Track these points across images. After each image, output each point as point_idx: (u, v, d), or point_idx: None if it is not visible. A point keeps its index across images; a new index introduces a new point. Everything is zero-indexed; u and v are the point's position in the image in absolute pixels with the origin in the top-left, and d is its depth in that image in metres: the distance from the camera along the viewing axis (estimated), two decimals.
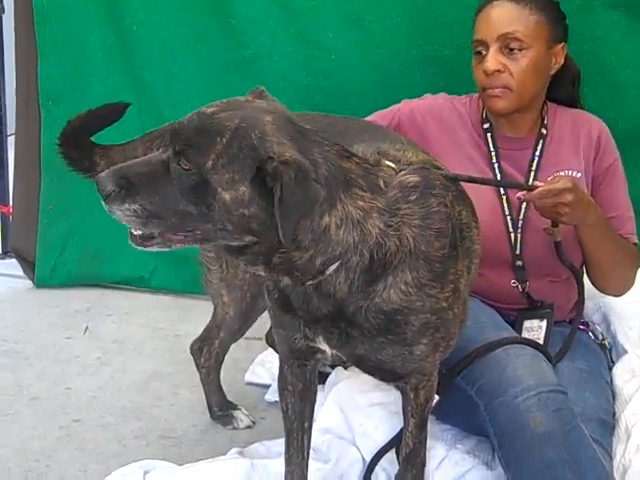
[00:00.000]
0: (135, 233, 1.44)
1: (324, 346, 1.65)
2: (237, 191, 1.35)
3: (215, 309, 2.28)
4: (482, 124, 2.23)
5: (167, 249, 1.46)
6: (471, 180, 1.86)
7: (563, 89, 2.25)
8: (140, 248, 1.47)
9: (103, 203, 1.41)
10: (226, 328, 2.28)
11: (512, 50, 2.05)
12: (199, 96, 3.01)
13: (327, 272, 1.48)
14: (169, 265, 3.28)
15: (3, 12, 3.47)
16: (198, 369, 2.41)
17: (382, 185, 1.51)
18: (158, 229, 1.41)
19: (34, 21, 3.11)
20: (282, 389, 1.84)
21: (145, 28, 3.02)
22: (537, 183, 2.00)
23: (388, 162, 1.59)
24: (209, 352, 2.36)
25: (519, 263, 2.15)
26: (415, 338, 1.59)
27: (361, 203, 1.45)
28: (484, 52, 2.09)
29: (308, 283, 1.50)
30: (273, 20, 2.88)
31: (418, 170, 1.60)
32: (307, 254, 1.43)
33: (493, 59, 2.06)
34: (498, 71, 2.06)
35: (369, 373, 1.75)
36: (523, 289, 2.16)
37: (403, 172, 1.57)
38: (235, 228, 1.39)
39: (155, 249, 1.47)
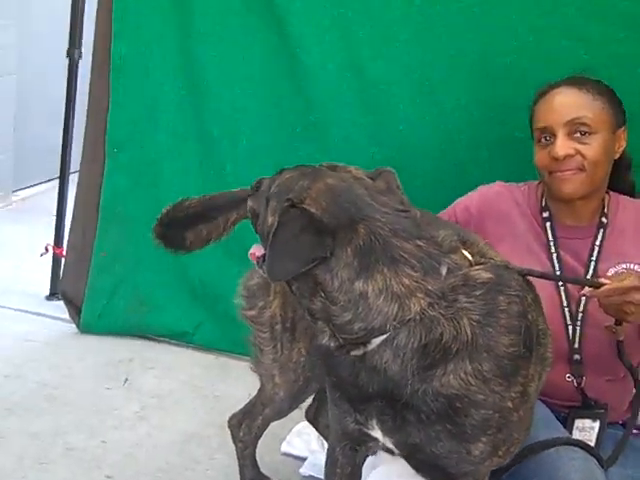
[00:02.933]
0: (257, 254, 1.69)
1: (377, 432, 1.61)
2: (274, 218, 1.54)
3: (263, 386, 2.23)
4: (541, 213, 2.18)
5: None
6: (545, 276, 1.86)
7: (619, 176, 2.21)
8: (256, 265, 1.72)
9: None
10: (273, 407, 2.23)
11: (580, 135, 2.04)
12: (263, 155, 3.03)
13: (371, 345, 1.48)
14: (214, 322, 3.24)
15: (80, 57, 3.54)
16: (235, 442, 2.35)
17: (442, 271, 1.50)
18: None
19: (110, 68, 3.16)
20: (330, 471, 1.81)
21: (218, 83, 3.05)
22: (604, 280, 1.92)
23: (466, 253, 1.57)
24: (248, 427, 2.31)
25: (577, 357, 2.08)
26: (474, 434, 1.54)
27: (406, 281, 1.46)
28: (549, 139, 2.07)
29: (353, 352, 1.49)
30: (345, 86, 2.86)
31: (494, 267, 1.57)
32: (346, 314, 1.46)
33: (563, 144, 2.03)
34: (570, 156, 2.03)
35: (419, 470, 1.69)
36: (578, 384, 2.08)
37: (478, 267, 1.55)
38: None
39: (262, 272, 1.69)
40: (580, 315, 2.08)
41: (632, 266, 2.08)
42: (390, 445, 1.64)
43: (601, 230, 2.13)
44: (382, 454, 2.20)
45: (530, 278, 1.74)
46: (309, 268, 1.45)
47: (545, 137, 2.08)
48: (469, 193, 2.28)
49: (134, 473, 2.42)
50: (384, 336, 1.46)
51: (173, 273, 3.26)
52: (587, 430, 2.05)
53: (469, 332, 1.48)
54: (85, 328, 3.39)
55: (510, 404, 1.54)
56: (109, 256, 3.35)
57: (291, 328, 2.08)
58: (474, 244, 1.63)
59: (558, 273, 2.10)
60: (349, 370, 1.54)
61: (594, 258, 2.10)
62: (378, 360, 1.48)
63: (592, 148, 2.04)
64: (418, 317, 1.45)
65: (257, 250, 1.69)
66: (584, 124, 2.03)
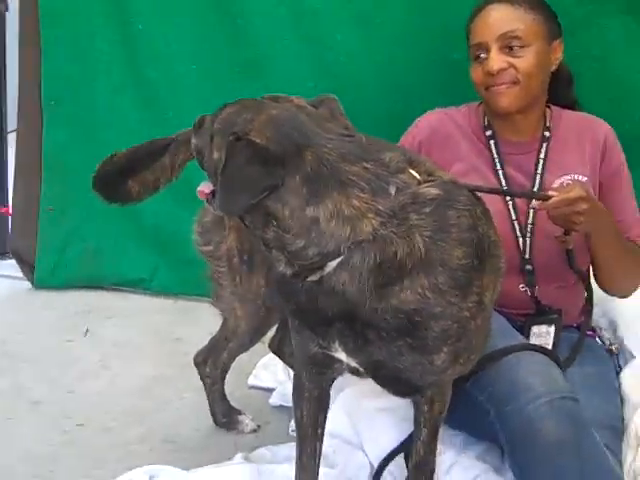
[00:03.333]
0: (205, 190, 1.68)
1: (340, 354, 1.64)
2: (220, 153, 1.54)
3: (225, 321, 2.26)
4: (484, 131, 2.23)
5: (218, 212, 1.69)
6: (494, 191, 1.94)
7: (560, 91, 2.27)
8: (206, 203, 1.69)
9: None
10: (237, 340, 2.27)
11: (513, 48, 2.08)
12: (204, 96, 2.99)
13: (327, 268, 1.50)
14: (170, 267, 3.25)
15: (7, 10, 3.45)
16: (202, 379, 2.39)
17: (391, 191, 1.52)
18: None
19: (39, 20, 3.08)
20: (298, 396, 1.84)
21: (150, 27, 3.00)
22: (551, 193, 1.99)
23: (413, 172, 1.59)
24: (214, 362, 2.35)
25: (528, 267, 2.15)
26: (435, 345, 1.58)
27: (356, 203, 1.48)
28: (484, 55, 2.11)
29: (310, 278, 1.52)
30: (280, 21, 2.85)
31: (442, 184, 1.60)
32: (299, 241, 1.48)
33: (497, 58, 2.08)
34: (503, 69, 2.07)
35: (385, 385, 1.74)
36: (532, 293, 2.16)
37: (426, 184, 1.57)
38: None
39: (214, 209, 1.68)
40: (529, 227, 2.14)
41: (577, 177, 2.15)
42: (354, 364, 1.68)
43: (544, 144, 2.19)
44: (348, 376, 2.30)
45: (479, 194, 1.77)
46: (260, 199, 1.46)
47: (480, 53, 2.12)
48: (409, 128, 2.30)
49: (103, 419, 2.43)
50: (339, 259, 1.49)
51: (124, 221, 3.23)
52: (543, 335, 2.14)
53: (422, 248, 1.51)
54: (39, 284, 3.37)
55: (467, 314, 1.59)
56: (56, 210, 3.32)
57: (248, 260, 2.10)
58: (421, 163, 1.65)
59: (505, 188, 2.15)
60: (307, 295, 1.57)
61: (539, 171, 2.16)
62: (335, 282, 1.51)
63: (525, 60, 2.08)
64: (371, 237, 1.47)
65: (205, 187, 1.68)
66: (516, 37, 2.07)
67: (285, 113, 1.54)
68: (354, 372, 1.80)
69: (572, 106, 2.31)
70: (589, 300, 2.18)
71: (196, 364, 2.39)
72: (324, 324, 1.60)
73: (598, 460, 1.74)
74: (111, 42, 3.07)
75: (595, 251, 2.13)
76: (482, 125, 2.24)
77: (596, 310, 2.38)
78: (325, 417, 1.87)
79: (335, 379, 1.88)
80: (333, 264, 1.50)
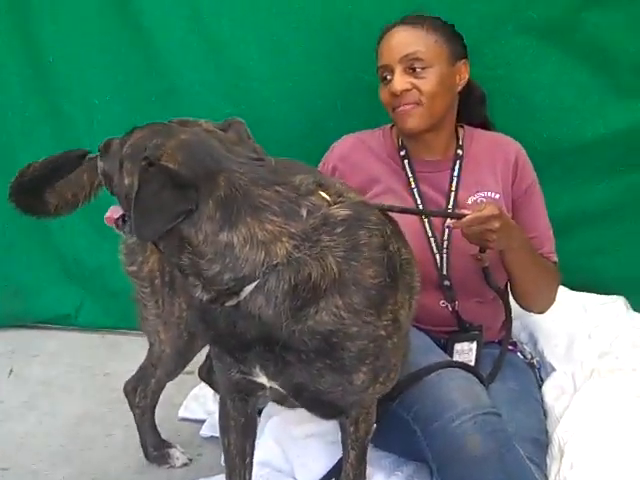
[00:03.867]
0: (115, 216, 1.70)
1: (261, 378, 1.65)
2: (130, 179, 1.55)
3: (151, 347, 2.24)
4: (399, 152, 2.27)
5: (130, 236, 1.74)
6: (407, 211, 1.95)
7: (472, 111, 2.33)
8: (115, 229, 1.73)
9: None
10: (162, 366, 2.24)
11: (415, 70, 2.13)
12: (120, 127, 2.94)
13: (243, 293, 1.51)
14: (95, 301, 3.21)
15: None
16: (132, 409, 2.36)
17: (303, 213, 1.54)
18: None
19: None
20: (225, 424, 1.84)
21: (62, 59, 2.95)
22: (464, 211, 2.03)
23: (323, 194, 1.60)
24: (144, 391, 2.32)
25: (446, 283, 2.18)
26: (354, 365, 1.60)
27: (269, 227, 1.49)
28: (389, 77, 2.16)
29: (227, 303, 1.52)
30: (193, 50, 2.85)
31: (352, 205, 1.62)
32: (214, 266, 1.48)
33: (400, 79, 2.13)
34: (406, 90, 2.12)
35: (309, 408, 1.75)
36: (452, 308, 2.19)
37: (337, 205, 1.59)
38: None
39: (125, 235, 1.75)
40: (445, 243, 2.18)
41: (490, 194, 2.21)
42: (277, 387, 1.68)
43: (458, 162, 2.24)
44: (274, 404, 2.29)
45: (393, 214, 1.82)
46: (175, 224, 1.46)
47: (386, 75, 2.17)
48: (325, 153, 2.34)
49: (30, 461, 2.38)
50: (254, 283, 1.49)
51: (45, 257, 3.19)
52: (466, 352, 2.17)
53: (335, 269, 1.53)
54: None
55: (383, 332, 1.62)
56: None
57: (170, 282, 2.10)
58: (331, 186, 1.66)
59: (420, 207, 2.19)
60: (226, 321, 1.58)
61: (454, 188, 2.21)
62: (252, 307, 1.52)
63: (428, 81, 2.13)
64: (285, 260, 1.49)
65: (114, 212, 1.69)
66: (417, 59, 2.12)
67: (195, 137, 1.54)
68: (278, 400, 1.81)
69: (485, 125, 2.37)
70: (508, 316, 2.23)
71: (125, 393, 2.36)
72: (243, 349, 1.61)
73: (522, 473, 1.77)
74: (22, 75, 3.02)
75: (510, 268, 2.18)
76: (396, 146, 2.28)
77: (516, 324, 2.45)
78: (253, 446, 1.87)
79: (260, 406, 1.88)
80: (249, 288, 1.50)
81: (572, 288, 2.60)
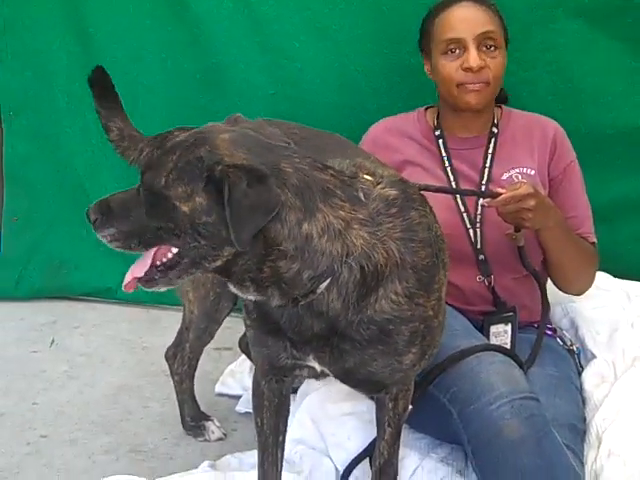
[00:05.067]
0: (137, 276, 1.52)
1: (314, 363, 1.64)
2: (194, 202, 1.40)
3: (184, 308, 2.27)
4: (434, 131, 2.27)
5: (170, 287, 1.52)
6: (443, 190, 1.97)
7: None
8: (147, 289, 1.55)
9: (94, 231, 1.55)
10: (193, 328, 2.27)
11: (489, 48, 2.13)
12: (165, 105, 3.01)
13: (318, 290, 1.48)
14: None
15: None
16: (172, 376, 2.40)
17: (362, 197, 1.52)
18: (141, 246, 1.49)
19: None
20: (258, 404, 1.83)
21: (109, 37, 2.99)
22: (500, 190, 2.03)
23: (366, 175, 1.59)
24: (182, 357, 2.35)
25: (481, 257, 2.18)
26: (406, 347, 1.60)
27: (342, 213, 1.46)
28: (458, 51, 2.14)
29: (301, 303, 1.49)
30: (239, 29, 2.86)
31: (395, 183, 1.61)
32: (294, 265, 1.43)
33: (476, 55, 2.11)
34: (482, 67, 2.11)
35: (354, 386, 1.75)
36: (489, 283, 2.18)
37: (381, 185, 1.58)
38: (207, 241, 1.41)
39: (161, 289, 1.54)
40: (479, 217, 2.18)
41: (525, 170, 2.20)
42: (327, 372, 1.67)
43: (492, 139, 2.24)
44: (313, 381, 2.31)
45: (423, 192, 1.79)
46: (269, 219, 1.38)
47: (452, 49, 2.14)
48: (363, 137, 2.34)
49: (68, 430, 2.42)
50: (330, 278, 1.46)
51: (88, 231, 3.17)
52: (502, 335, 2.16)
53: (397, 253, 1.52)
54: (3, 296, 3.33)
55: (431, 312, 1.62)
56: (20, 221, 3.31)
57: None
58: (363, 165, 1.65)
59: (454, 184, 2.19)
60: (292, 318, 1.55)
61: (488, 165, 2.21)
62: (324, 303, 1.50)
63: (498, 62, 2.14)
64: (360, 250, 1.47)
65: (137, 271, 1.52)
66: (492, 38, 2.13)
67: (234, 133, 1.47)
68: (315, 376, 1.81)
69: (504, 102, 2.36)
70: (544, 298, 2.21)
71: (166, 359, 2.39)
72: (301, 342, 1.59)
73: (558, 459, 1.75)
74: (69, 52, 3.06)
75: (546, 248, 2.17)
76: (432, 126, 2.28)
77: (558, 310, 2.43)
78: (286, 424, 1.87)
79: (295, 385, 1.88)
80: (324, 285, 1.48)
81: (616, 276, 2.57)
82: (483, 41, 2.12)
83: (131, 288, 1.55)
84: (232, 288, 1.52)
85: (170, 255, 1.47)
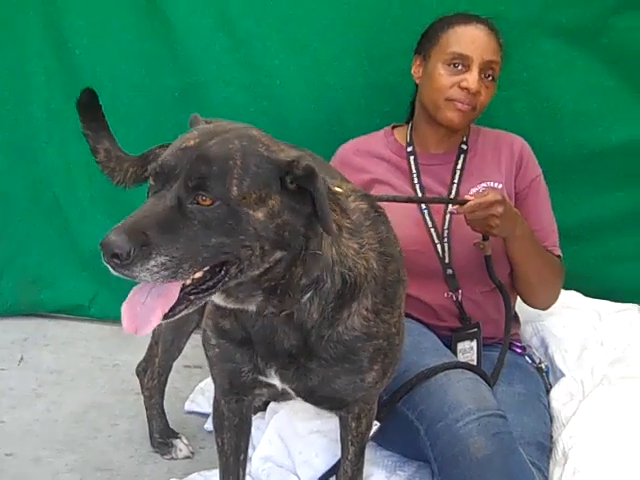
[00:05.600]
0: (164, 311, 1.31)
1: (275, 380, 1.60)
2: (268, 206, 1.31)
3: None
4: (406, 148, 2.29)
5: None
6: (411, 200, 2.02)
7: None
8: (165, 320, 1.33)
9: (119, 271, 1.24)
10: (161, 342, 2.24)
11: (487, 77, 2.16)
12: (144, 122, 2.98)
13: (302, 300, 1.45)
14: (109, 292, 3.18)
15: None
16: (142, 391, 2.37)
17: (344, 206, 1.51)
18: (192, 270, 1.27)
19: None
20: (218, 424, 1.80)
21: (88, 52, 2.96)
22: (467, 197, 2.05)
23: (336, 187, 1.57)
24: (152, 372, 2.32)
25: (449, 272, 2.18)
26: (369, 365, 1.58)
27: (335, 217, 1.44)
28: (461, 67, 2.14)
29: (285, 312, 1.46)
30: (218, 46, 2.85)
31: (364, 197, 1.61)
32: (298, 269, 1.39)
33: (478, 79, 2.13)
34: (479, 92, 2.13)
35: (315, 404, 1.72)
36: (456, 298, 2.18)
37: (351, 198, 1.57)
38: (271, 244, 1.33)
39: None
40: (446, 232, 2.18)
41: (492, 184, 2.22)
42: (288, 390, 1.64)
43: (462, 155, 2.26)
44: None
45: (393, 205, 1.82)
46: None
47: (456, 63, 2.15)
48: (332, 158, 2.35)
49: (34, 448, 2.37)
50: (313, 289, 1.44)
51: (62, 248, 3.19)
52: (468, 351, 2.16)
53: (375, 266, 1.51)
54: None
55: (394, 329, 1.60)
56: None
57: None
58: (332, 179, 1.63)
59: (422, 196, 2.20)
60: (266, 330, 1.51)
61: (456, 181, 2.23)
62: (305, 314, 1.47)
63: (490, 92, 2.18)
64: (343, 258, 1.45)
65: (163, 302, 1.30)
66: (493, 69, 2.16)
67: (253, 129, 1.40)
68: (275, 397, 1.77)
69: None
70: (508, 311, 2.20)
71: (137, 374, 2.37)
72: (269, 356, 1.55)
73: (524, 476, 1.74)
74: (48, 68, 3.03)
75: (513, 259, 2.18)
76: (402, 143, 2.30)
77: (528, 329, 2.43)
78: (247, 443, 1.84)
79: (256, 404, 1.84)
80: (307, 295, 1.44)
81: (587, 295, 2.58)
82: (486, 69, 2.14)
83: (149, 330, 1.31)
84: (225, 301, 1.42)
85: (201, 273, 1.30)
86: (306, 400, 1.70)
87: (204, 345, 1.69)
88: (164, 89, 2.96)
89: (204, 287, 1.32)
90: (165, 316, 1.30)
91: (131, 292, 1.33)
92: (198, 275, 1.30)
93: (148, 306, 1.29)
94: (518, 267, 2.20)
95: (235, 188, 1.27)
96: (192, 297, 1.32)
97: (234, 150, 1.30)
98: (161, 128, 2.94)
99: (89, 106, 2.26)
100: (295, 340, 1.51)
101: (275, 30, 2.80)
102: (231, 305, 1.44)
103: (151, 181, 1.34)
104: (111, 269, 1.24)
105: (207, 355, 1.69)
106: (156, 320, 1.29)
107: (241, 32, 2.83)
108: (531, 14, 2.58)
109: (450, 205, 2.17)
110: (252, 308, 1.44)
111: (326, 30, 2.76)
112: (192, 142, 1.32)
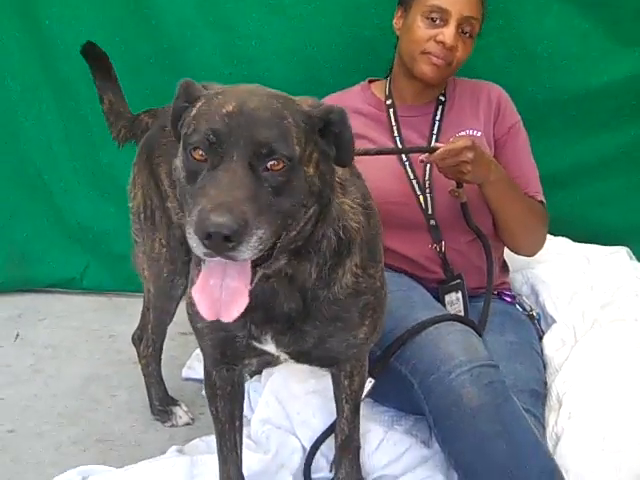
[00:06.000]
0: (248, 286, 1.28)
1: (270, 345, 1.59)
2: (314, 159, 1.33)
3: (144, 289, 2.25)
4: (386, 100, 2.28)
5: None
6: (382, 152, 2.03)
7: None
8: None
9: (224, 254, 1.20)
10: (152, 307, 2.25)
11: (465, 33, 2.13)
12: (122, 87, 2.94)
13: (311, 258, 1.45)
14: (100, 264, 3.21)
15: None
16: (139, 360, 2.38)
17: None
18: (272, 239, 1.27)
19: None
20: (211, 394, 1.81)
21: (60, 23, 2.91)
22: (437, 144, 2.05)
23: None
24: (146, 339, 2.34)
25: (432, 223, 2.19)
26: (360, 321, 1.60)
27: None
28: (439, 21, 2.12)
29: (289, 272, 1.45)
30: (191, 9, 2.81)
31: None
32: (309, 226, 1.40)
33: (454, 34, 2.11)
34: (454, 47, 2.11)
35: (308, 363, 1.73)
36: (440, 249, 2.19)
37: None
38: (310, 198, 1.33)
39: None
40: (427, 183, 2.18)
41: (471, 132, 2.22)
42: (282, 355, 1.64)
43: (440, 107, 2.26)
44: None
45: (373, 159, 1.84)
46: None
47: (434, 17, 2.12)
48: None
49: (35, 423, 2.39)
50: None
51: (49, 222, 3.18)
52: (455, 303, 2.18)
53: (364, 221, 1.51)
54: None
55: (379, 283, 1.61)
56: None
57: (151, 217, 2.07)
58: None
59: (392, 147, 2.20)
60: (268, 294, 1.49)
61: (435, 132, 2.23)
62: (305, 274, 1.46)
63: (466, 49, 2.16)
64: (339, 214, 1.46)
65: (241, 280, 1.29)
66: (472, 25, 2.14)
67: (266, 90, 1.39)
68: (263, 365, 1.78)
69: None
70: (488, 257, 2.20)
71: (133, 343, 2.39)
72: (266, 321, 1.54)
73: (517, 424, 1.76)
74: (20, 40, 2.97)
75: (491, 205, 2.18)
76: (380, 97, 2.30)
77: (518, 278, 2.44)
78: (241, 409, 1.85)
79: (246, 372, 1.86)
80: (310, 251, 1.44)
81: (576, 240, 2.60)
82: (463, 24, 2.12)
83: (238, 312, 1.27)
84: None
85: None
86: (298, 361, 1.71)
87: (192, 319, 1.67)
88: (139, 56, 2.93)
89: (264, 256, 1.30)
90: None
91: (201, 277, 1.28)
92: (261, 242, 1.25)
93: (230, 288, 1.27)
94: (497, 214, 2.20)
95: (297, 148, 1.28)
96: (257, 268, 1.31)
97: (280, 110, 1.29)
98: (138, 95, 2.89)
99: (93, 55, 2.30)
100: (294, 303, 1.51)
101: None
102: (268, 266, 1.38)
103: (197, 154, 1.28)
104: (214, 253, 1.20)
105: (196, 327, 1.68)
106: (244, 300, 1.27)
107: None
108: None
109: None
110: (268, 272, 1.40)
111: None
112: (232, 107, 1.28)
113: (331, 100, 2.32)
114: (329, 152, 1.37)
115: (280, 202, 1.26)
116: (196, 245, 1.20)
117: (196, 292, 1.28)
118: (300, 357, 1.67)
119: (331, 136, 1.37)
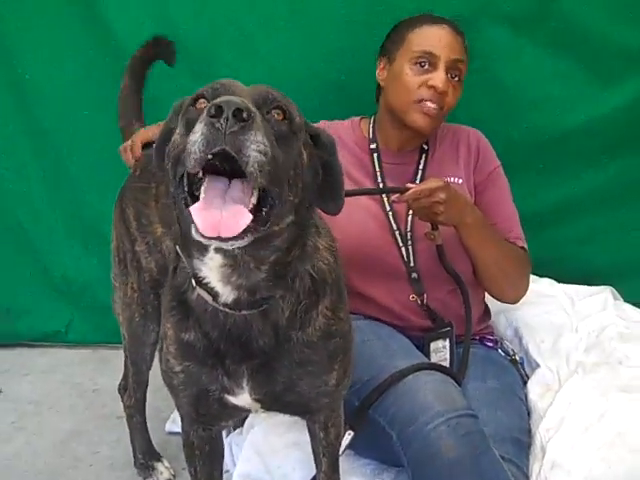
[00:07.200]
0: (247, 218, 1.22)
1: (243, 396, 1.56)
2: (307, 149, 1.37)
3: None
4: (369, 144, 2.25)
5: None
6: (353, 193, 1.99)
7: None
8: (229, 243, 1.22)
9: (233, 132, 1.15)
10: (128, 354, 2.21)
11: (453, 77, 2.12)
12: (98, 139, 2.92)
13: (277, 295, 1.43)
14: (84, 317, 3.17)
15: None
16: (124, 410, 2.34)
17: None
18: (268, 177, 1.21)
19: None
20: (189, 454, 1.77)
21: (40, 72, 2.87)
22: (410, 185, 2.02)
23: None
24: (129, 390, 2.30)
25: (414, 275, 2.15)
26: (330, 365, 1.57)
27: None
28: (427, 66, 2.10)
29: (262, 307, 1.43)
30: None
31: None
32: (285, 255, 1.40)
33: (445, 79, 2.09)
34: (445, 92, 2.09)
35: (279, 410, 1.69)
36: (422, 302, 2.15)
37: None
38: (298, 181, 1.32)
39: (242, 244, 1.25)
40: (409, 234, 2.15)
41: (452, 179, 2.18)
42: (254, 403, 1.60)
43: (423, 155, 2.23)
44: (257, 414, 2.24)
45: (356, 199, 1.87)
46: None
47: (422, 62, 2.10)
48: None
49: None
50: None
51: (34, 275, 3.16)
52: (441, 350, 2.13)
53: (333, 263, 1.50)
54: None
55: (347, 326, 1.59)
56: None
57: (124, 259, 2.05)
58: None
59: (385, 201, 2.17)
60: (241, 328, 1.46)
61: (418, 181, 2.19)
62: (278, 311, 1.44)
63: (456, 93, 2.13)
64: (313, 252, 1.45)
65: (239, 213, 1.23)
66: (459, 69, 2.12)
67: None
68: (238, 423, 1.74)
69: None
70: (466, 302, 2.17)
71: (119, 392, 2.36)
72: (238, 361, 1.50)
73: (496, 476, 1.71)
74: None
75: (469, 248, 2.14)
76: (367, 138, 2.26)
77: (501, 320, 2.40)
78: (221, 469, 1.81)
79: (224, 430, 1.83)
80: (281, 291, 1.43)
81: (560, 280, 2.57)
82: (452, 68, 2.10)
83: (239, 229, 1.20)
84: (229, 278, 1.37)
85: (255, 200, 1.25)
86: (270, 409, 1.67)
87: (166, 376, 1.64)
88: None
89: (262, 216, 1.26)
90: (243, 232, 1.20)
91: (201, 201, 1.23)
92: (253, 201, 1.24)
93: (231, 210, 1.21)
94: (476, 258, 2.15)
95: (297, 117, 1.33)
96: (251, 224, 1.23)
97: (273, 91, 1.33)
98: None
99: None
100: (267, 338, 1.47)
101: (223, 31, 2.72)
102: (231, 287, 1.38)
103: (200, 103, 1.29)
104: (218, 138, 1.15)
105: (171, 385, 1.64)
106: (246, 220, 1.21)
107: (185, 35, 2.70)
108: (473, 5, 2.54)
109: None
110: (248, 285, 1.38)
111: (273, 30, 2.69)
112: (236, 84, 1.36)
113: (322, 125, 2.28)
114: (318, 169, 1.40)
115: (276, 149, 1.24)
116: (201, 140, 1.16)
117: (198, 209, 1.22)
118: (273, 404, 1.62)
119: (318, 159, 1.39)
